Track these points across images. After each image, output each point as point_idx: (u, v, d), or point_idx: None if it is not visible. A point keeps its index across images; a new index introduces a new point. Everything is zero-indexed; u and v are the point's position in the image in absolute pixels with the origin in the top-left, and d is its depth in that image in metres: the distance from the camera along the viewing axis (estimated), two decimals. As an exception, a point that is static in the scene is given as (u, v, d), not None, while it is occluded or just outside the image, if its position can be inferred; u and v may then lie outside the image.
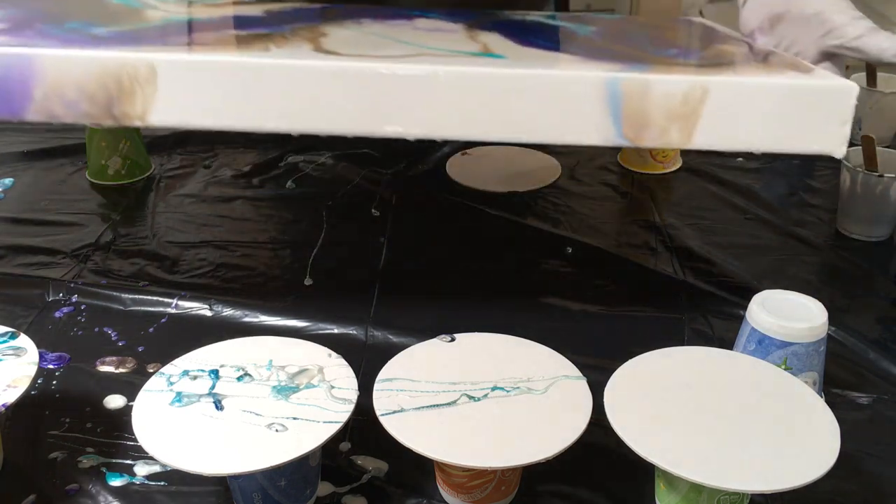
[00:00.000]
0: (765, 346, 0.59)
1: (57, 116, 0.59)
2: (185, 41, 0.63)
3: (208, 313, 0.72)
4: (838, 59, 0.67)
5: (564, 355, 0.57)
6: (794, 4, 0.69)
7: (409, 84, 0.57)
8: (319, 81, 0.57)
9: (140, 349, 0.68)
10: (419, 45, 0.64)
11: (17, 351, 0.56)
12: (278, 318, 0.71)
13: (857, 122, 1.08)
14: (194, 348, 0.57)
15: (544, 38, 0.70)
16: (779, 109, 0.58)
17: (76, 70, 0.58)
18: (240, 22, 0.73)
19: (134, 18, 0.72)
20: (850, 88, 0.58)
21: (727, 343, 0.66)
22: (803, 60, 0.65)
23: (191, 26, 0.69)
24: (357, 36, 0.68)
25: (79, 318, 0.72)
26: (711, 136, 0.58)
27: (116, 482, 0.55)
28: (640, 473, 0.55)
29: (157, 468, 0.56)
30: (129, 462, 0.57)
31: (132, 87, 0.58)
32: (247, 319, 0.72)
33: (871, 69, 1.07)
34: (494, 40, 0.68)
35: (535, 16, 0.82)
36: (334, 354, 0.56)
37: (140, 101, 0.58)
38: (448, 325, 0.60)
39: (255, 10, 0.79)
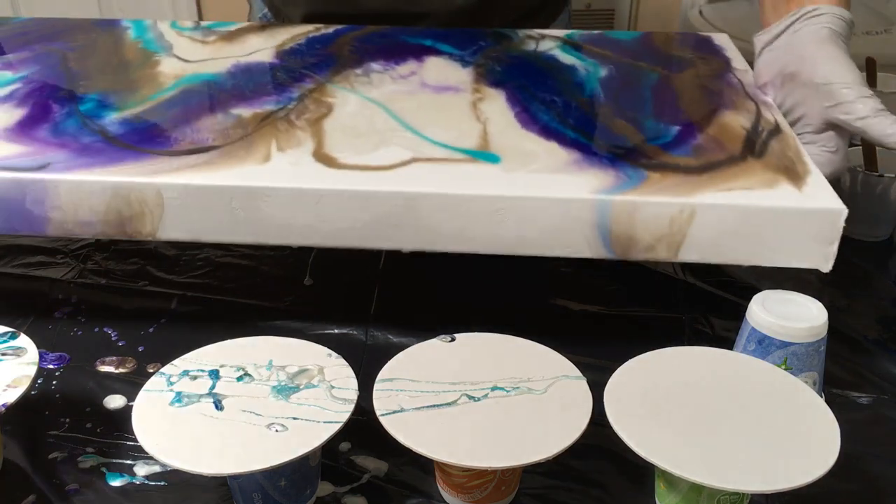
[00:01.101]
0: (765, 346, 0.59)
1: (75, 234, 0.62)
2: (192, 141, 0.65)
3: (208, 313, 0.72)
4: (842, 130, 0.67)
5: (564, 355, 0.56)
6: (806, 69, 0.68)
7: (403, 204, 0.59)
8: (315, 201, 0.60)
9: (140, 349, 0.68)
10: (418, 136, 0.66)
11: (17, 351, 0.56)
12: (278, 318, 0.71)
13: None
14: (194, 348, 0.57)
15: (547, 107, 0.70)
16: (766, 229, 0.58)
17: (88, 194, 0.60)
18: (250, 87, 0.75)
19: (147, 84, 0.74)
20: (838, 212, 0.57)
21: (727, 343, 0.65)
22: (800, 147, 0.65)
23: (199, 105, 0.71)
24: (359, 115, 0.69)
25: (79, 318, 0.72)
26: (697, 252, 0.59)
27: (116, 482, 0.55)
28: (640, 473, 0.55)
29: (157, 468, 0.56)
30: (129, 462, 0.57)
31: (142, 210, 0.61)
32: (247, 319, 0.72)
33: (870, 68, 1.06)
34: (496, 112, 0.69)
35: (549, 44, 0.82)
36: (334, 354, 0.56)
37: (150, 221, 0.61)
38: (448, 325, 0.60)
39: (266, 55, 0.81)
